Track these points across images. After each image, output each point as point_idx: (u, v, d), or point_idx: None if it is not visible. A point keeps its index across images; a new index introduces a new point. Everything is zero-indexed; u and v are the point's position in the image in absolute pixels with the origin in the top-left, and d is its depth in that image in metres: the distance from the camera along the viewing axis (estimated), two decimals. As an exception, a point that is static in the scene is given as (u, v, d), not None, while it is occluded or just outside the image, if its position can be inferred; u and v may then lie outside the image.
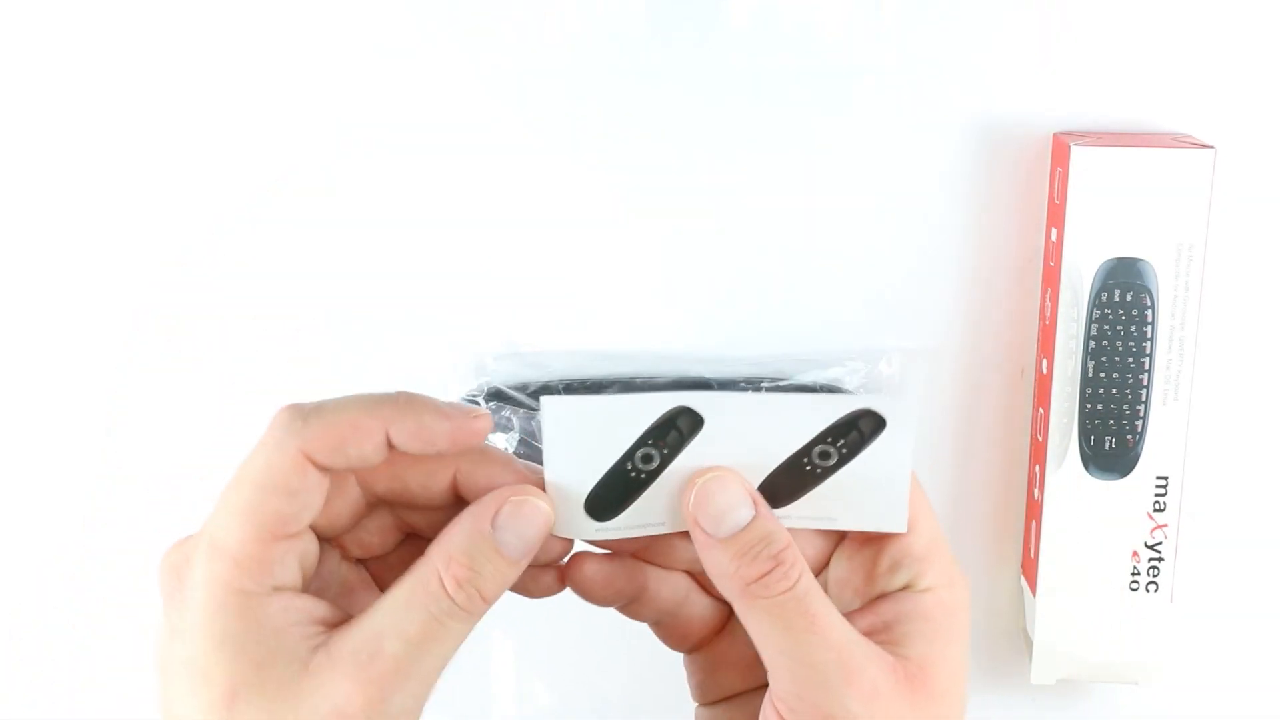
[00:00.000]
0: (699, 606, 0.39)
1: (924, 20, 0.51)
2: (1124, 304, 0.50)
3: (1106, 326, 0.51)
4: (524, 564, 0.35)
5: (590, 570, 0.37)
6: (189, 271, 0.55)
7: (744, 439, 0.35)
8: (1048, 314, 0.52)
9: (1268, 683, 0.58)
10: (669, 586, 0.38)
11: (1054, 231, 0.52)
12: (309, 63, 0.53)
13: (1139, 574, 0.53)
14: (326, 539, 0.36)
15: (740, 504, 0.34)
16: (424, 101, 0.53)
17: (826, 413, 0.35)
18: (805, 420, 0.35)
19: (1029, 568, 0.56)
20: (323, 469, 0.34)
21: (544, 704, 0.61)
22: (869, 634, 0.35)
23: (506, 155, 0.53)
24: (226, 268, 0.55)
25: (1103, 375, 0.51)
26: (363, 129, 0.53)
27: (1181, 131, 0.52)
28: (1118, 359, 0.51)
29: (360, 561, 0.38)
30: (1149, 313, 0.50)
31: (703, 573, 0.36)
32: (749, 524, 0.34)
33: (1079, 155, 0.49)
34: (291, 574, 0.34)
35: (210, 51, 0.53)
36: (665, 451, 0.35)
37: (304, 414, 0.34)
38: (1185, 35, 0.51)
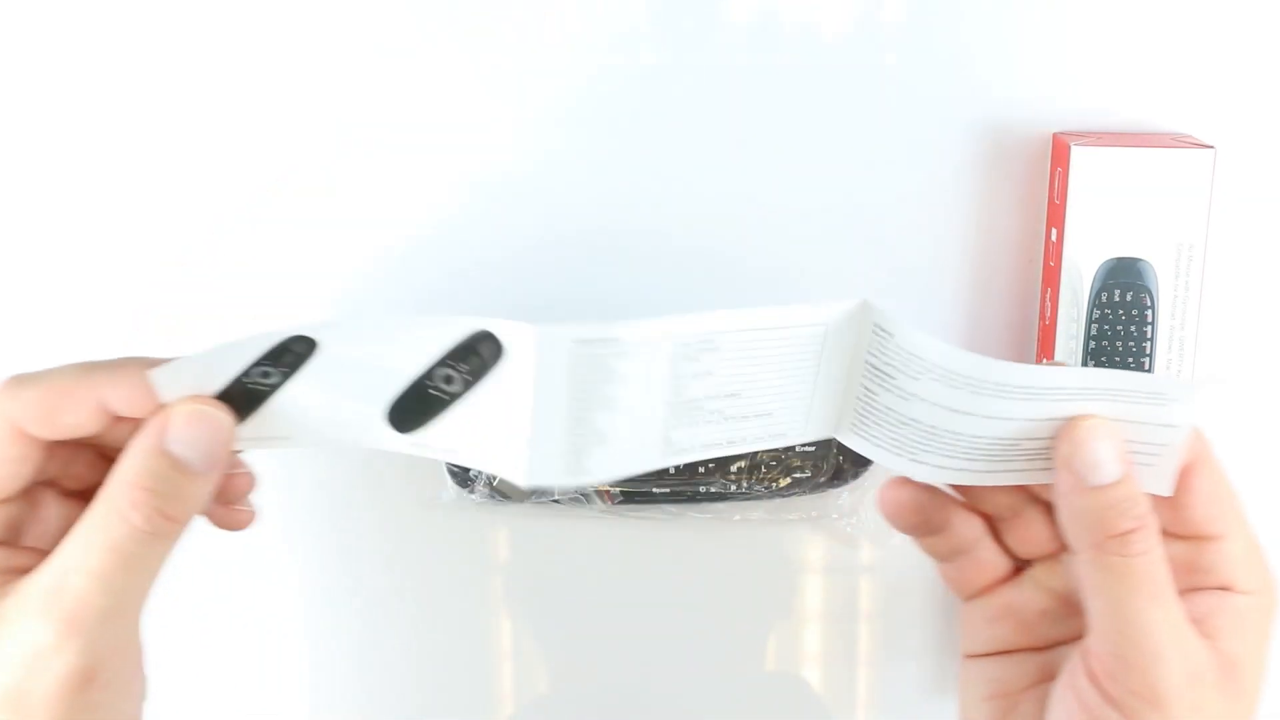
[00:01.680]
0: (989, 553, 0.39)
1: (924, 20, 0.51)
2: (1124, 304, 0.50)
3: (1106, 326, 0.51)
4: (209, 477, 0.35)
5: (909, 493, 0.39)
6: (189, 271, 0.55)
7: (366, 360, 0.36)
8: (1048, 314, 0.52)
9: (1267, 682, 0.58)
10: (969, 527, 0.39)
11: (1054, 231, 0.52)
12: (308, 61, 0.53)
13: (1139, 574, 0.53)
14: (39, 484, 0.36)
15: (1117, 458, 0.35)
16: (424, 100, 0.53)
17: (447, 335, 0.36)
18: (428, 342, 0.36)
19: (1029, 568, 0.56)
20: (37, 438, 0.34)
21: (541, 692, 0.61)
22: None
23: (505, 155, 0.53)
24: (226, 267, 0.55)
25: (1103, 375, 0.51)
26: (361, 128, 0.53)
27: (1181, 131, 0.52)
28: (1118, 359, 0.51)
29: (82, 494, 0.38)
30: (1149, 313, 0.50)
31: (1005, 519, 0.39)
32: (1121, 479, 0.35)
33: (1079, 155, 0.49)
34: None
35: (209, 50, 0.53)
36: (284, 370, 0.36)
37: (17, 383, 0.34)
38: (1185, 35, 0.51)
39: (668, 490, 0.57)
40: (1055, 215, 0.51)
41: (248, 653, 0.61)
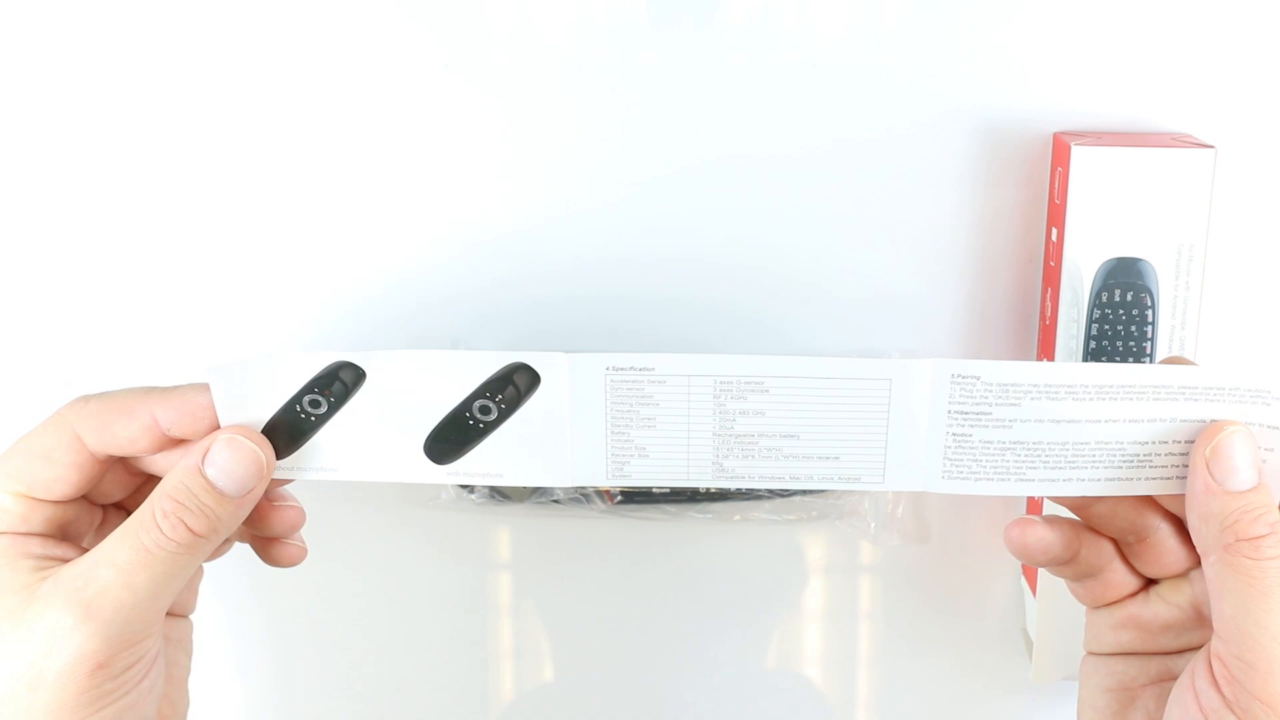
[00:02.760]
0: (1118, 574, 0.41)
1: (924, 20, 0.51)
2: (1124, 304, 0.50)
3: (1107, 326, 0.51)
4: (238, 502, 0.39)
5: (1036, 534, 0.40)
6: (188, 268, 0.55)
7: (408, 393, 0.39)
8: (1048, 314, 0.52)
9: None
10: (1098, 553, 0.41)
11: (1054, 231, 0.52)
12: (302, 81, 0.53)
13: (1139, 574, 0.53)
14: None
15: (1252, 465, 0.36)
16: (422, 100, 0.53)
17: (482, 367, 0.39)
18: (463, 375, 0.39)
19: (1029, 568, 0.56)
20: (94, 451, 0.38)
21: (546, 680, 0.61)
22: None
23: (504, 155, 0.53)
24: (232, 260, 0.55)
25: (1103, 375, 0.51)
26: (358, 128, 0.53)
27: (1181, 131, 0.52)
28: (1118, 358, 0.51)
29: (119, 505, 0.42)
30: (1149, 312, 0.50)
31: (1130, 545, 0.40)
32: (1256, 487, 0.36)
33: (1079, 155, 0.49)
34: (39, 523, 0.39)
35: (208, 48, 0.53)
36: (332, 399, 0.39)
37: (83, 400, 0.39)
38: (1185, 35, 0.51)
39: (668, 490, 0.57)
40: (1055, 215, 0.51)
41: (248, 652, 0.61)
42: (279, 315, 0.55)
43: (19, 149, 0.54)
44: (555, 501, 0.57)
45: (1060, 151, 0.51)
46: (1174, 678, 0.40)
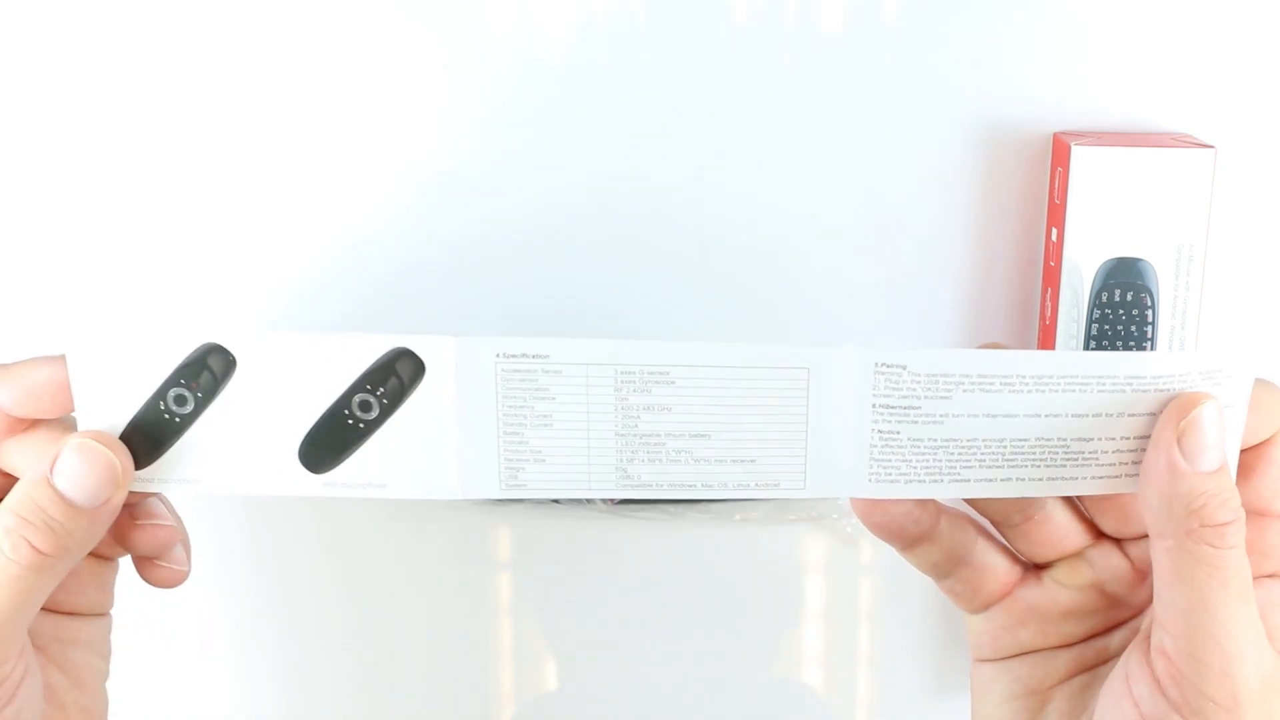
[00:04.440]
0: (992, 558, 0.37)
1: (924, 20, 0.51)
2: (1124, 304, 0.50)
3: (1107, 326, 0.51)
4: (91, 515, 0.33)
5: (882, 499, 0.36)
6: (185, 264, 0.55)
7: (281, 385, 0.34)
8: (1048, 314, 0.52)
9: None
10: (960, 534, 0.37)
11: (1054, 231, 0.52)
12: (294, 57, 0.53)
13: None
14: None
15: (1221, 445, 0.33)
16: (422, 97, 0.53)
17: (361, 354, 0.34)
18: (341, 363, 0.34)
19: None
20: None
21: (546, 680, 0.61)
22: None
23: (501, 149, 0.53)
24: (221, 256, 0.55)
25: (1103, 375, 0.51)
26: (353, 126, 0.53)
27: (1181, 131, 0.52)
28: (1118, 359, 0.51)
29: None
30: (1149, 312, 0.50)
31: (1015, 525, 0.36)
32: (1221, 469, 0.33)
33: (1079, 155, 0.49)
34: None
35: (205, 46, 0.53)
36: (199, 395, 0.34)
37: None
38: (1185, 35, 0.51)
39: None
40: (1055, 215, 0.51)
41: (247, 652, 0.61)
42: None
43: None
44: (555, 502, 0.57)
45: (1060, 151, 0.51)
46: (1087, 669, 0.37)
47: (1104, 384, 0.34)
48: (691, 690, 0.61)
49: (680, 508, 0.57)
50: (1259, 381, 0.34)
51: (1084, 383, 0.34)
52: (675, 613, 0.60)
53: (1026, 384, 0.34)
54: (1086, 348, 0.51)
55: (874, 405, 0.35)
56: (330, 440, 0.34)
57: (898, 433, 0.35)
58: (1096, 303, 0.50)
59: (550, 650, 0.60)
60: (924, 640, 0.60)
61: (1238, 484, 0.34)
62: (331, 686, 0.61)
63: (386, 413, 0.34)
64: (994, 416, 0.35)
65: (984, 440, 0.35)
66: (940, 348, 0.35)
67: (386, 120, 0.53)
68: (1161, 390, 0.34)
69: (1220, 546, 0.32)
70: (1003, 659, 0.38)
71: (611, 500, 0.57)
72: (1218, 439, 0.33)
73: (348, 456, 0.35)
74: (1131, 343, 0.51)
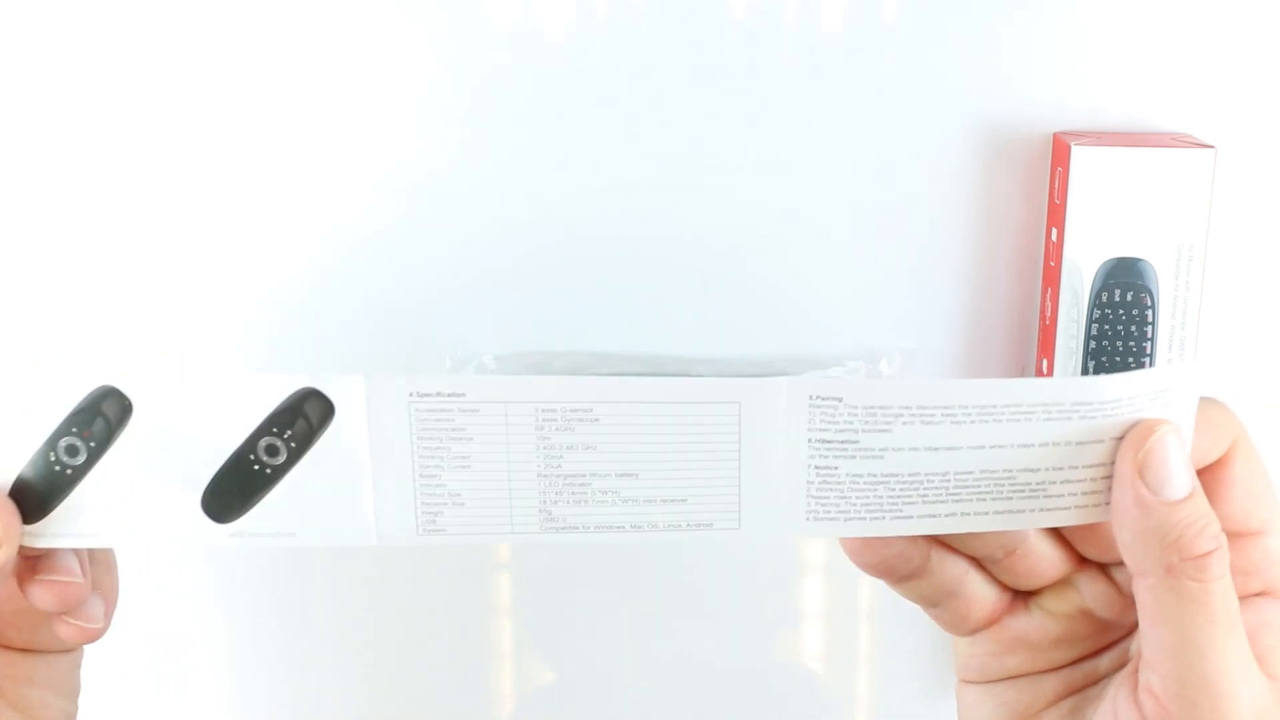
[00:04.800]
0: (980, 589, 0.36)
1: (924, 20, 0.51)
2: (1124, 304, 0.50)
3: (1107, 326, 0.51)
4: None
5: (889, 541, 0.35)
6: (180, 266, 0.55)
7: (181, 430, 0.32)
8: (1048, 314, 0.52)
9: None
10: (950, 567, 0.35)
11: (1054, 231, 0.52)
12: (290, 58, 0.53)
13: (1139, 574, 0.53)
14: None
15: (1188, 469, 0.31)
16: (422, 95, 0.53)
17: (266, 395, 0.32)
18: (245, 405, 0.32)
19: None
20: None
21: (546, 680, 0.61)
22: None
23: (502, 152, 0.53)
24: (216, 259, 0.55)
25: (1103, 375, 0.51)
26: (349, 124, 0.53)
27: (1181, 131, 0.52)
28: (1118, 359, 0.51)
29: None
30: (1149, 312, 0.50)
31: (997, 561, 0.35)
32: (1192, 495, 0.31)
33: (1079, 155, 0.49)
34: None
35: (204, 44, 0.53)
36: (92, 444, 0.32)
37: None
38: (1185, 35, 0.51)
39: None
40: (1055, 215, 0.51)
41: (247, 652, 0.61)
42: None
43: None
44: (555, 501, 0.57)
45: (1060, 151, 0.51)
46: (1076, 691, 0.35)
47: (1049, 412, 0.33)
48: (691, 690, 0.61)
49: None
50: (1207, 400, 0.33)
51: (1029, 411, 0.33)
52: (675, 613, 0.60)
53: (969, 414, 0.33)
54: (1086, 348, 0.51)
55: (809, 440, 0.33)
56: (235, 487, 0.33)
57: (836, 468, 0.33)
58: (1096, 303, 0.50)
59: (550, 650, 0.60)
60: (924, 640, 0.60)
61: None
62: (331, 686, 0.61)
63: (295, 457, 0.33)
64: (936, 449, 0.33)
65: (926, 475, 0.33)
66: (878, 378, 0.33)
67: (373, 122, 0.53)
68: (1109, 416, 0.33)
69: (1204, 580, 0.31)
70: (990, 682, 0.37)
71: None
72: (1182, 464, 0.31)
73: (254, 504, 0.33)
74: (1132, 342, 0.51)
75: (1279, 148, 0.52)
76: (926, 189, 0.53)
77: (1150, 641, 0.31)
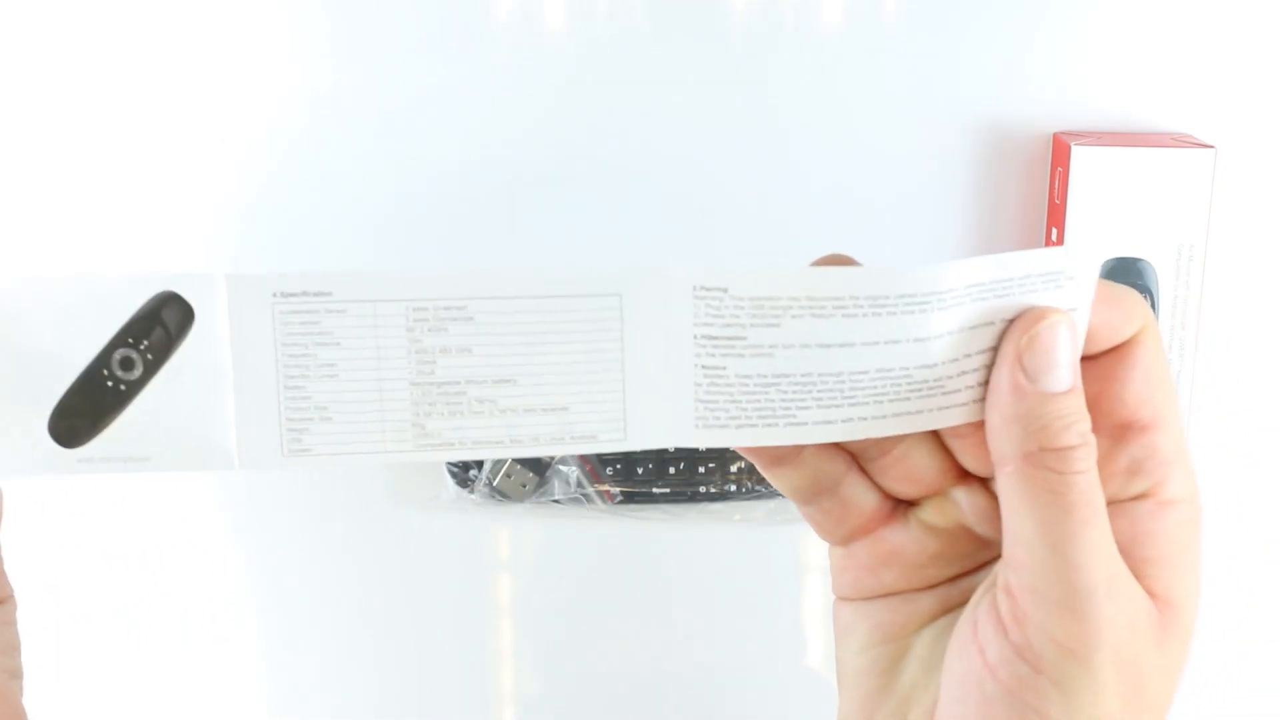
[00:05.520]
0: (857, 491, 0.33)
1: (924, 20, 0.51)
2: (1124, 304, 0.50)
3: (1107, 326, 0.51)
4: None
5: None
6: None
7: (25, 343, 0.29)
8: (1048, 314, 0.52)
9: (1269, 684, 0.58)
10: (828, 461, 0.33)
11: (1054, 231, 0.52)
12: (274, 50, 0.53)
13: (1139, 574, 0.53)
14: None
15: (1072, 364, 0.29)
16: (422, 94, 0.53)
17: (121, 301, 0.29)
18: (97, 313, 0.29)
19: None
20: None
21: (541, 692, 0.61)
22: None
23: (500, 150, 0.53)
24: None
25: (1103, 375, 0.51)
26: (346, 122, 0.53)
27: (1181, 131, 0.52)
28: (1118, 359, 0.51)
29: None
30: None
31: (873, 459, 0.32)
32: (1071, 390, 0.29)
33: (1080, 155, 0.49)
34: None
35: (198, 43, 0.53)
36: None
37: None
38: (1185, 35, 0.51)
39: (668, 490, 0.57)
40: (1056, 215, 0.51)
41: (247, 652, 0.61)
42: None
43: None
44: (555, 501, 0.57)
45: (1060, 151, 0.51)
46: (951, 610, 0.33)
47: (944, 299, 0.30)
48: (691, 690, 0.61)
49: (680, 508, 0.57)
50: (1120, 285, 0.31)
51: (923, 301, 0.30)
52: (675, 613, 0.60)
53: (861, 306, 0.30)
54: (1087, 348, 0.51)
55: (695, 336, 0.30)
56: (86, 407, 0.29)
57: (724, 368, 0.30)
58: (1097, 303, 0.50)
59: (550, 650, 0.60)
60: (924, 640, 0.60)
61: (1099, 391, 0.30)
62: (331, 686, 0.61)
63: (151, 370, 0.29)
64: (828, 346, 0.30)
65: (820, 375, 0.31)
66: (769, 265, 0.30)
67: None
68: (1001, 296, 0.30)
69: (1065, 471, 0.29)
70: (863, 599, 0.34)
71: (611, 500, 0.57)
72: (1068, 358, 0.29)
73: (106, 425, 0.30)
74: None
75: (1279, 148, 0.53)
76: (926, 189, 0.53)
77: (1008, 534, 0.30)
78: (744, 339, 0.30)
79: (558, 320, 0.30)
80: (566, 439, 0.31)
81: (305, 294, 0.29)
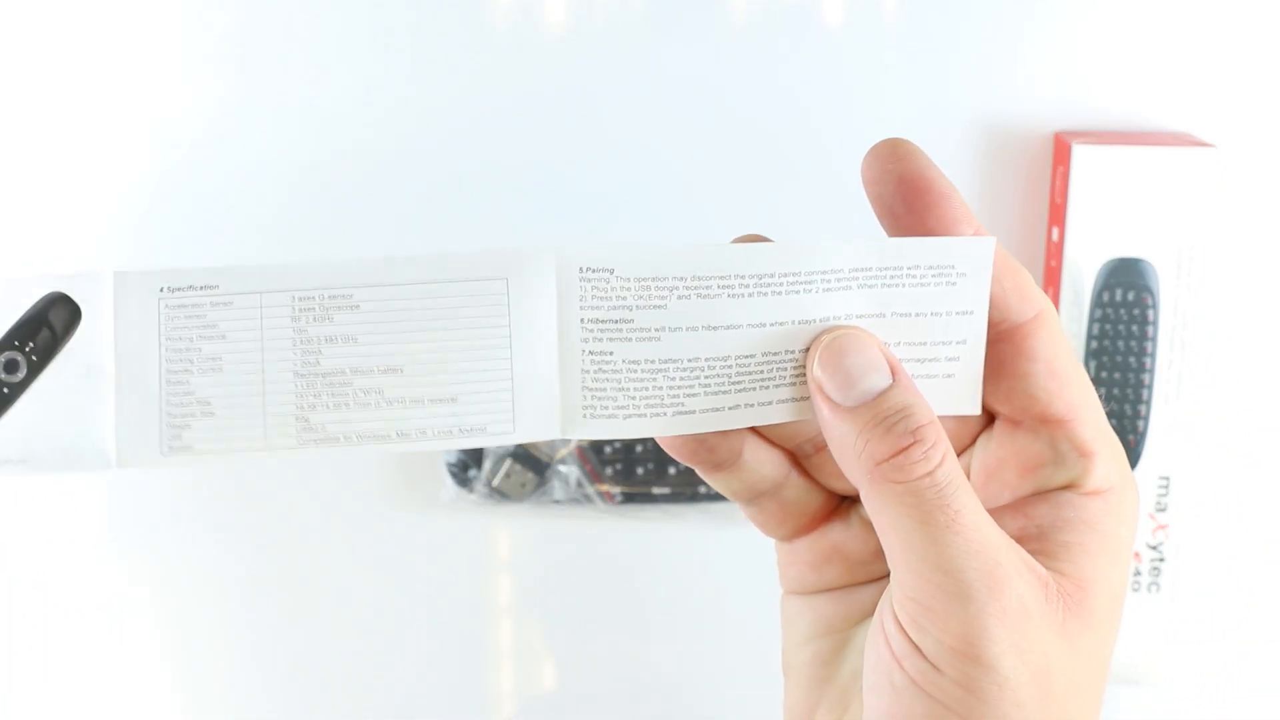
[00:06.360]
0: (799, 491, 0.33)
1: (925, 20, 0.51)
2: (1125, 303, 0.50)
3: (1108, 326, 0.51)
4: None
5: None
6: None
7: None
8: (1049, 314, 0.52)
9: (1268, 684, 0.58)
10: (768, 462, 0.32)
11: (1055, 231, 0.52)
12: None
13: (1140, 574, 0.53)
14: None
15: (876, 367, 0.29)
16: (422, 92, 0.53)
17: (9, 303, 0.28)
18: None
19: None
20: None
21: (546, 680, 0.61)
22: (1019, 540, 0.29)
23: (500, 150, 0.53)
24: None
25: (1104, 375, 0.51)
26: (346, 121, 0.53)
27: (1182, 131, 0.52)
28: (1119, 358, 0.51)
29: None
30: (1150, 312, 0.50)
31: (808, 455, 0.32)
32: (885, 392, 0.28)
33: (1081, 154, 0.49)
34: None
35: (198, 41, 0.53)
36: None
37: None
38: (1185, 35, 0.51)
39: (668, 490, 0.57)
40: (1057, 215, 0.51)
41: (247, 652, 0.61)
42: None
43: None
44: (555, 501, 0.57)
45: (1061, 151, 0.51)
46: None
47: (828, 280, 0.29)
48: (691, 690, 0.61)
49: (680, 508, 0.57)
50: (1010, 262, 0.30)
51: (807, 280, 0.29)
52: (675, 613, 0.60)
53: (746, 286, 0.29)
54: (1088, 348, 0.51)
55: (582, 320, 0.29)
56: None
57: (611, 353, 0.30)
58: (1098, 302, 0.50)
59: (550, 650, 0.60)
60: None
61: (1009, 386, 0.30)
62: (332, 686, 0.61)
63: (35, 371, 0.29)
64: (715, 329, 0.30)
65: (707, 360, 0.30)
66: (653, 243, 0.29)
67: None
68: (890, 287, 0.30)
69: (905, 480, 0.28)
70: (808, 594, 0.34)
71: (611, 500, 0.57)
72: (863, 362, 0.29)
73: None
74: (1133, 342, 0.51)
75: (1279, 148, 0.53)
76: (927, 189, 0.53)
77: (885, 550, 0.29)
78: (630, 322, 0.29)
79: (446, 307, 0.29)
80: (455, 432, 0.30)
81: (192, 288, 0.29)
